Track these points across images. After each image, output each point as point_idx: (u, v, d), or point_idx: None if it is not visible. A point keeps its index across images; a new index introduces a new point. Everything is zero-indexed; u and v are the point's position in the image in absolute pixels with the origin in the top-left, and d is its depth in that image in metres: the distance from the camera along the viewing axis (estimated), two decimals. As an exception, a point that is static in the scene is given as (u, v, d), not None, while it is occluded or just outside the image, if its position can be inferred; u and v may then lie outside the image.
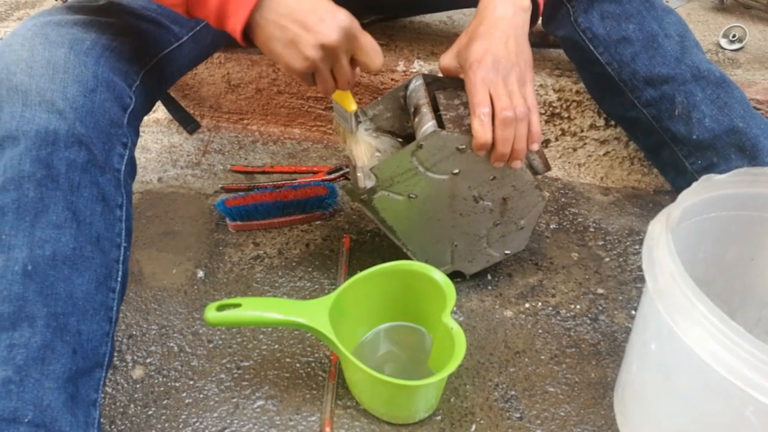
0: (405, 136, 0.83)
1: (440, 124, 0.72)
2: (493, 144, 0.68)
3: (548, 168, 0.79)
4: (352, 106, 0.72)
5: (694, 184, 0.62)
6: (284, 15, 0.59)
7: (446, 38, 1.19)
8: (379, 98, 0.82)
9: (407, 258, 0.81)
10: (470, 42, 0.69)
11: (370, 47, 0.63)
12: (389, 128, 0.84)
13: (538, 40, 1.10)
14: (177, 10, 0.62)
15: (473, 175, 0.73)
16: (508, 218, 0.79)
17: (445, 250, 0.82)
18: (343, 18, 0.60)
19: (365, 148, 0.77)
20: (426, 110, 0.73)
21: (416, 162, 0.71)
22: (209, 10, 0.60)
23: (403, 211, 0.76)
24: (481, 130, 0.67)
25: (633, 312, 0.83)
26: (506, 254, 0.84)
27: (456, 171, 0.72)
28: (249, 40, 0.62)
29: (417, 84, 0.78)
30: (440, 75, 0.77)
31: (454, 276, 0.85)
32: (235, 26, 0.59)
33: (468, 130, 0.69)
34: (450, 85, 0.77)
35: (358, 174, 0.78)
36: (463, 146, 0.70)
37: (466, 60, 0.69)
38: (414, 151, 0.70)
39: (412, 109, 0.76)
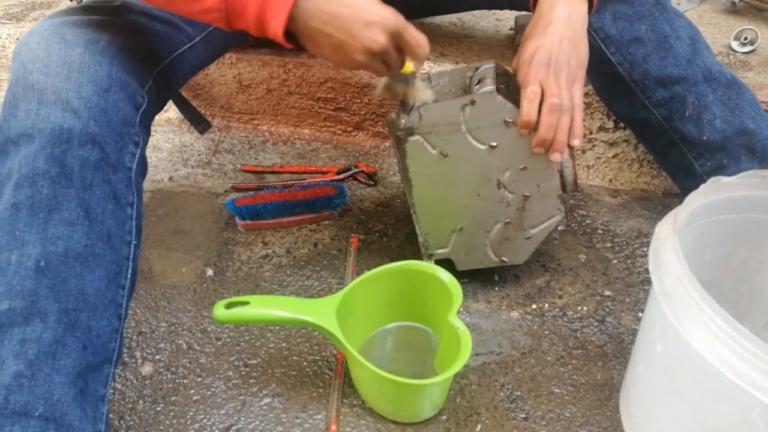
0: None
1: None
2: (537, 128, 0.71)
3: (576, 187, 0.80)
4: (410, 68, 0.71)
5: (702, 186, 0.62)
6: (327, 22, 0.58)
7: (456, 40, 1.19)
8: (448, 71, 0.83)
9: (414, 257, 0.82)
10: (525, 40, 0.72)
11: (415, 41, 0.63)
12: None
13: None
14: (218, 25, 0.61)
15: (508, 156, 0.74)
16: (521, 220, 0.79)
17: (448, 230, 0.81)
18: (388, 17, 0.60)
19: (423, 92, 0.75)
20: (490, 80, 0.75)
21: (462, 118, 0.72)
22: (249, 19, 0.59)
23: (429, 166, 0.76)
24: (528, 107, 0.69)
25: (640, 314, 0.83)
26: (503, 262, 0.83)
27: (494, 144, 0.74)
28: (294, 40, 0.62)
29: (488, 66, 0.79)
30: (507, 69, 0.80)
31: (446, 266, 0.84)
32: (276, 31, 0.59)
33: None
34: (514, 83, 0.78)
35: (405, 113, 0.76)
36: (511, 120, 0.72)
37: (519, 56, 0.72)
38: (466, 105, 0.72)
39: (477, 81, 0.77)
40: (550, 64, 0.70)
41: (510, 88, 0.76)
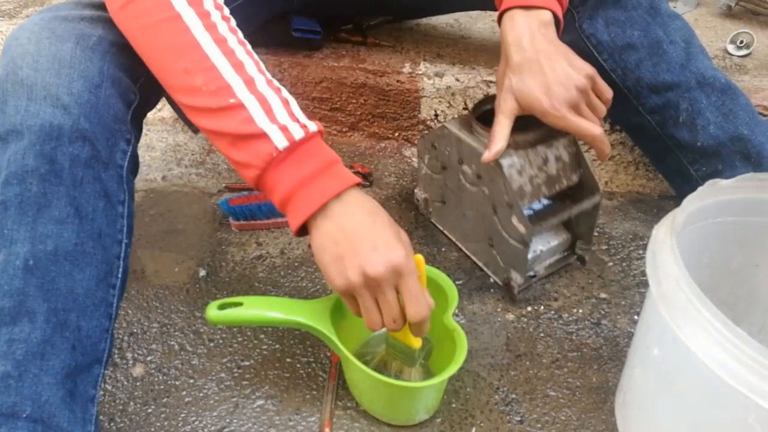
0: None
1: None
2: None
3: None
4: (416, 342, 0.64)
5: (699, 189, 0.62)
6: (341, 230, 0.56)
7: (452, 40, 1.18)
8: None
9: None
10: (514, 80, 0.69)
11: (415, 293, 0.57)
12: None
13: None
14: (246, 181, 0.60)
15: (450, 164, 0.81)
16: (495, 196, 0.78)
17: (489, 249, 0.84)
18: (396, 256, 0.56)
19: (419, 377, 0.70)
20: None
21: (426, 170, 0.81)
22: (274, 201, 0.59)
23: (449, 216, 0.85)
24: (603, 140, 0.71)
25: (636, 317, 0.83)
26: (527, 243, 0.77)
27: (443, 166, 0.80)
28: (306, 233, 0.60)
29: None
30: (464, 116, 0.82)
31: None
32: (291, 226, 0.58)
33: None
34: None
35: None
36: (433, 142, 0.80)
37: (521, 102, 0.69)
38: (420, 160, 0.80)
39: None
40: (568, 95, 0.68)
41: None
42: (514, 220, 0.77)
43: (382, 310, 0.58)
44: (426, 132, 0.72)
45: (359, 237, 0.56)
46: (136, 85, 0.66)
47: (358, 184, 0.58)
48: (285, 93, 0.59)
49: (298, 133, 0.56)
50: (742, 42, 1.15)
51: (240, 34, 0.61)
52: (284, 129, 0.56)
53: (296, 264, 0.90)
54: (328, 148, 0.59)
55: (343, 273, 0.56)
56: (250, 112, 0.56)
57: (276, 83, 0.59)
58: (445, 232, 0.82)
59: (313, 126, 0.58)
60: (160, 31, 0.57)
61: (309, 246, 0.93)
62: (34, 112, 0.57)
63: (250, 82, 0.57)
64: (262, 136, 0.55)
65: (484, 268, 0.87)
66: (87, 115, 0.59)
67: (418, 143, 0.73)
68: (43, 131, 0.56)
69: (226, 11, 0.61)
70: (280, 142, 0.55)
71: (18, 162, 0.56)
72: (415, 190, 0.80)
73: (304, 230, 0.58)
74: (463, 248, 0.89)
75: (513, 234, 0.78)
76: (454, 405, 0.71)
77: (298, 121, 0.57)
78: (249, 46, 0.60)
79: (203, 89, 0.56)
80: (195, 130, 1.12)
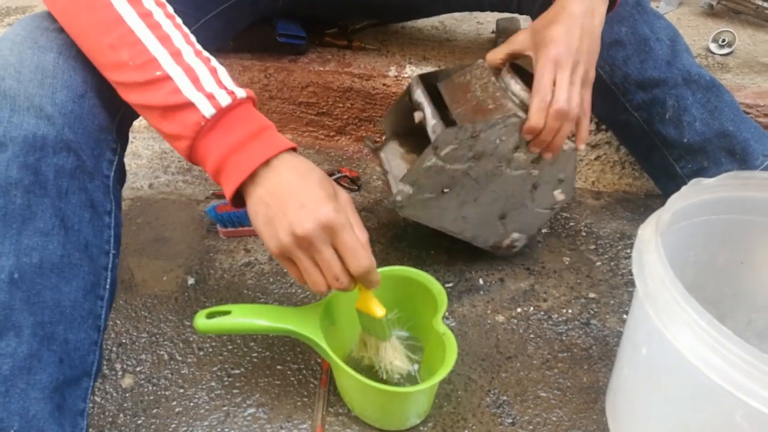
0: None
1: (447, 122, 0.75)
2: (541, 130, 0.72)
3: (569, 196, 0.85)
4: (378, 311, 0.62)
5: (684, 188, 0.62)
6: (271, 192, 0.55)
7: (437, 43, 1.19)
8: (388, 112, 0.85)
9: (399, 262, 0.81)
10: (550, 24, 0.71)
11: (351, 245, 0.55)
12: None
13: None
14: (180, 154, 0.59)
15: (494, 154, 0.76)
16: (545, 176, 0.81)
17: (496, 223, 0.84)
18: (325, 211, 0.54)
19: (395, 356, 0.68)
20: (429, 109, 0.76)
21: (437, 161, 0.74)
22: (208, 171, 0.58)
23: (443, 204, 0.78)
24: (537, 116, 0.70)
25: (624, 316, 0.83)
26: (555, 208, 0.86)
27: (476, 156, 0.75)
28: (243, 203, 0.59)
29: (416, 87, 0.80)
30: (433, 70, 0.82)
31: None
32: (226, 194, 0.57)
33: (483, 113, 0.73)
34: (448, 75, 0.81)
35: (394, 190, 0.77)
36: (477, 134, 0.73)
37: (540, 39, 0.71)
38: (434, 150, 0.73)
39: (414, 112, 0.79)
40: (571, 54, 0.69)
41: (448, 82, 0.79)
42: (557, 192, 0.83)
43: (322, 269, 0.57)
44: (460, 127, 0.71)
45: (287, 197, 0.55)
46: (121, 94, 0.66)
47: (293, 149, 0.58)
48: (214, 62, 0.59)
49: (224, 100, 0.56)
50: (724, 41, 1.16)
51: (168, 8, 0.60)
52: (210, 96, 0.55)
53: (285, 270, 0.90)
54: (259, 114, 0.58)
55: (274, 235, 0.56)
56: (177, 82, 0.55)
57: (206, 54, 0.59)
58: (422, 221, 0.80)
59: (241, 92, 0.57)
60: (83, 7, 0.57)
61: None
62: (18, 123, 0.56)
63: (176, 54, 0.56)
64: (189, 105, 0.55)
65: (470, 241, 0.85)
66: (71, 126, 0.58)
67: (438, 135, 0.71)
68: (27, 142, 0.56)
69: None
70: (207, 110, 0.55)
71: (1, 174, 0.55)
72: (399, 186, 0.76)
73: (240, 200, 0.58)
74: (444, 230, 0.84)
75: (545, 204, 0.84)
76: (445, 408, 0.71)
77: (225, 88, 0.56)
78: (178, 20, 0.60)
79: (129, 64, 0.56)
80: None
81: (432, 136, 0.75)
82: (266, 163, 0.56)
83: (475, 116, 0.74)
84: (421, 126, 0.79)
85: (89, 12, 0.57)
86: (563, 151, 0.78)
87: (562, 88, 0.69)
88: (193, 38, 0.59)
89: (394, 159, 0.82)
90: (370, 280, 0.58)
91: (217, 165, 0.56)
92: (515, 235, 0.86)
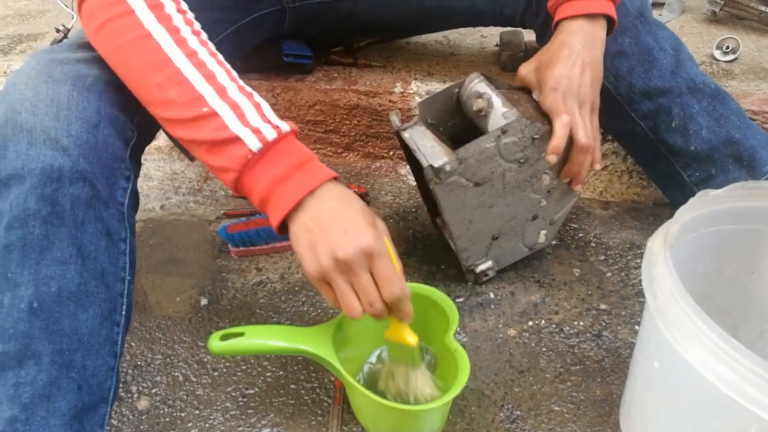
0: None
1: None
2: (567, 160, 0.78)
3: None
4: (411, 339, 0.64)
5: (691, 200, 0.63)
6: (314, 218, 0.57)
7: (442, 58, 1.20)
8: (428, 98, 0.86)
9: (410, 279, 0.82)
10: (551, 64, 0.75)
11: (387, 273, 0.57)
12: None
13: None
14: (226, 185, 0.61)
15: (534, 165, 0.79)
16: (547, 212, 0.85)
17: (486, 242, 0.86)
18: (366, 238, 0.56)
19: (425, 385, 0.68)
20: (498, 99, 0.78)
21: (495, 146, 0.75)
22: (254, 202, 0.60)
23: (464, 196, 0.79)
24: (562, 134, 0.74)
25: (636, 327, 0.83)
26: (532, 249, 0.90)
27: (522, 159, 0.78)
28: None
29: (477, 81, 0.82)
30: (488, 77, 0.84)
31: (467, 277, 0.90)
32: (272, 223, 0.60)
33: (543, 120, 0.76)
34: (503, 87, 0.83)
35: (424, 163, 0.76)
36: (537, 136, 0.76)
37: (546, 81, 0.75)
38: (499, 135, 0.75)
39: (474, 100, 0.80)
40: (575, 95, 0.74)
41: (514, 97, 0.81)
42: (543, 232, 0.89)
43: (358, 294, 0.58)
44: (532, 122, 0.75)
45: (330, 223, 0.57)
46: (133, 122, 0.67)
47: (335, 179, 0.60)
48: (257, 98, 0.61)
49: (270, 134, 0.58)
50: (728, 47, 1.16)
51: (211, 46, 0.63)
52: (257, 131, 0.57)
53: (296, 288, 0.91)
54: (302, 146, 0.60)
55: (315, 259, 0.57)
56: (223, 118, 0.58)
57: (248, 89, 0.61)
58: (441, 205, 0.78)
59: (285, 126, 0.59)
60: (133, 49, 0.60)
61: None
62: (35, 156, 0.57)
63: (221, 91, 0.59)
64: (236, 140, 0.57)
65: (458, 251, 0.85)
66: (86, 156, 0.60)
67: (511, 121, 0.73)
68: (44, 174, 0.57)
69: (197, 26, 0.63)
70: (254, 144, 0.57)
71: (20, 206, 0.57)
72: (447, 157, 0.74)
73: (285, 228, 0.60)
74: (448, 227, 0.83)
75: (529, 240, 0.88)
76: (459, 425, 0.72)
77: (270, 123, 0.59)
78: (220, 57, 0.62)
79: (177, 101, 0.58)
80: (191, 158, 1.13)
81: (501, 122, 0.75)
82: (311, 192, 0.58)
83: (536, 120, 0.77)
84: (463, 121, 0.82)
85: (139, 54, 0.59)
86: (571, 192, 0.83)
87: (578, 125, 0.74)
88: (235, 74, 0.62)
89: (422, 140, 0.80)
90: (402, 308, 0.60)
91: (264, 196, 0.58)
92: (490, 263, 0.88)
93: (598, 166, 0.80)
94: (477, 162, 0.76)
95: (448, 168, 0.75)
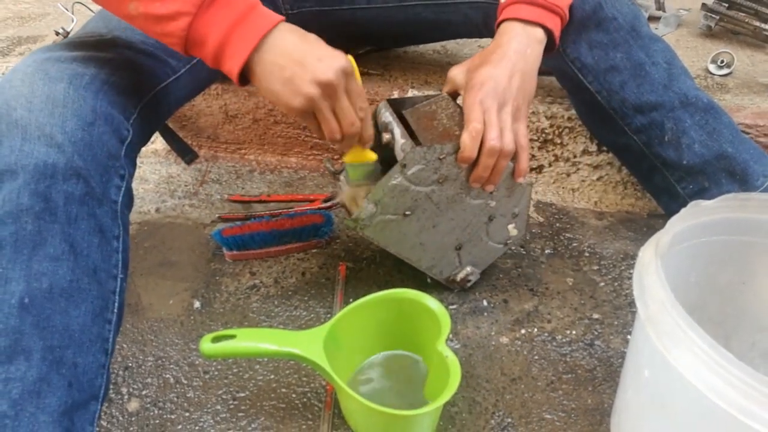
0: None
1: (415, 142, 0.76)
2: (475, 164, 0.74)
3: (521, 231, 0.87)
4: (371, 155, 0.73)
5: (683, 210, 0.63)
6: (282, 55, 0.60)
7: (440, 67, 1.21)
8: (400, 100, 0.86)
9: (403, 285, 0.82)
10: (481, 66, 0.74)
11: (359, 91, 0.65)
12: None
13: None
14: (175, 49, 0.63)
15: (459, 179, 0.77)
16: (501, 208, 0.82)
17: (452, 254, 0.84)
18: (340, 60, 0.62)
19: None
20: (399, 130, 0.77)
21: (404, 180, 0.74)
22: (207, 51, 0.61)
23: (403, 229, 0.79)
24: (470, 145, 0.71)
25: (628, 337, 0.84)
26: (507, 244, 0.87)
27: (440, 179, 0.76)
28: (245, 79, 0.63)
29: (383, 110, 0.82)
30: (405, 97, 0.85)
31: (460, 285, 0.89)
32: (231, 68, 0.61)
33: (449, 138, 0.75)
34: (413, 104, 0.83)
35: (356, 209, 0.78)
36: (443, 156, 0.73)
37: (470, 80, 0.74)
38: (401, 170, 0.73)
39: (383, 133, 0.79)
40: (497, 96, 0.72)
41: (415, 109, 0.81)
42: (511, 227, 0.85)
43: (339, 117, 0.64)
44: (429, 147, 0.72)
45: (301, 54, 0.60)
46: (129, 121, 0.67)
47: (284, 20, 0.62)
48: None
49: None
50: (722, 61, 1.17)
51: None
52: None
53: (290, 293, 0.91)
54: None
55: (297, 91, 0.60)
56: None
57: None
58: (381, 244, 0.79)
59: None
60: None
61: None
62: (29, 152, 0.58)
63: None
64: None
65: (426, 272, 0.86)
66: (81, 153, 0.60)
67: (407, 153, 0.72)
68: (38, 170, 0.57)
69: None
70: None
71: (13, 201, 0.57)
72: (363, 204, 0.75)
73: (244, 78, 0.62)
74: (402, 256, 0.83)
75: (498, 238, 0.86)
76: (450, 431, 0.71)
77: None
78: None
79: None
80: (188, 161, 1.14)
81: (400, 155, 0.75)
82: (269, 32, 0.59)
83: (442, 140, 0.75)
84: (385, 151, 0.80)
85: None
86: (519, 185, 0.80)
87: (491, 126, 0.71)
88: None
89: (343, 189, 0.82)
90: (368, 127, 0.68)
91: (222, 40, 0.59)
92: (469, 269, 0.87)
93: (520, 179, 0.77)
94: (393, 198, 0.75)
95: (364, 215, 0.76)
